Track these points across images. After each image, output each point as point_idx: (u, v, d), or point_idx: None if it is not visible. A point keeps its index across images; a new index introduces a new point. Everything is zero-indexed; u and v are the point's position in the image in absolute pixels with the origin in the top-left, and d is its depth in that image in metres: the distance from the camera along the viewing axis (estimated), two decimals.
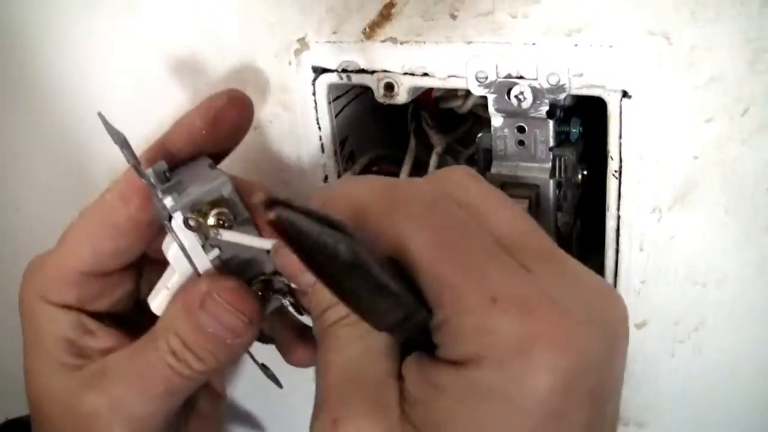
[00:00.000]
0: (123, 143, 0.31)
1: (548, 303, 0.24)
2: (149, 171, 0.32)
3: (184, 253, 0.33)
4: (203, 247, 0.33)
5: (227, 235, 0.32)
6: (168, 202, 0.32)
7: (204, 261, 0.33)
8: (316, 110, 0.38)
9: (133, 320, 0.37)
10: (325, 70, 0.37)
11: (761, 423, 0.38)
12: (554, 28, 0.32)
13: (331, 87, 0.38)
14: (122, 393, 0.33)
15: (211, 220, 0.32)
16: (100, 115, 0.32)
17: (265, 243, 0.32)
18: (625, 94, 0.32)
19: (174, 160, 0.34)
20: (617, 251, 0.35)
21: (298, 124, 0.39)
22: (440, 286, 0.24)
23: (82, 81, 0.46)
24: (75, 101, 0.46)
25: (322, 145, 0.39)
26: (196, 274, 0.34)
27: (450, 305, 0.24)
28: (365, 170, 0.41)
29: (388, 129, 0.44)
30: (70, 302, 0.36)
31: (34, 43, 0.45)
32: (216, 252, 0.33)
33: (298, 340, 0.38)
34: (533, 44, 0.33)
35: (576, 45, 0.32)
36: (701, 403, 0.38)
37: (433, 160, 0.39)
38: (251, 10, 0.38)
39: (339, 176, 0.40)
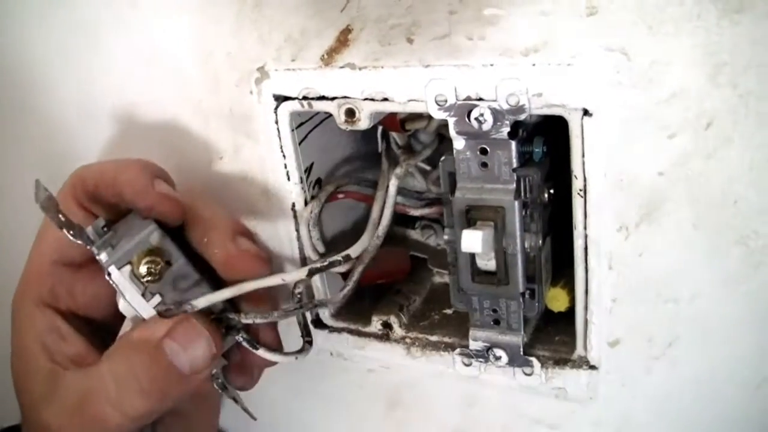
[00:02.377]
0: (56, 208, 0.32)
1: None
2: (89, 229, 0.34)
3: (129, 304, 0.34)
4: (143, 295, 0.34)
5: (200, 303, 0.35)
6: (103, 257, 0.34)
7: (147, 308, 0.35)
8: (280, 138, 0.38)
9: (112, 331, 0.38)
10: (286, 98, 0.37)
11: None
12: (511, 49, 0.32)
13: (293, 114, 0.37)
14: (64, 419, 0.33)
15: (142, 270, 0.34)
16: (37, 183, 0.32)
17: (225, 294, 0.36)
18: (585, 113, 0.32)
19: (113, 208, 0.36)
20: (587, 270, 0.35)
21: (263, 152, 0.39)
22: None
23: (57, 108, 0.46)
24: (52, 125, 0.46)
25: (287, 172, 0.39)
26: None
27: None
28: (332, 196, 0.40)
29: (357, 151, 0.44)
30: (45, 297, 0.36)
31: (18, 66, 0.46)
32: (158, 298, 0.34)
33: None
34: (491, 65, 0.32)
35: (534, 65, 0.32)
36: (680, 420, 0.38)
37: (393, 182, 0.39)
38: (210, 40, 0.38)
39: (306, 203, 0.39)
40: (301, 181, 0.39)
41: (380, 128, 0.41)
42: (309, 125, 0.39)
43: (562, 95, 0.32)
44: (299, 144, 0.38)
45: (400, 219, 0.44)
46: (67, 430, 0.33)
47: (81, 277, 0.37)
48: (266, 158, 0.39)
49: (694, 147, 0.31)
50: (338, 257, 0.38)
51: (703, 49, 0.29)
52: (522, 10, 0.31)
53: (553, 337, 0.39)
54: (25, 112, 0.46)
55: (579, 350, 0.37)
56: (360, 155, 0.44)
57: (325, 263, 0.38)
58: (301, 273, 0.37)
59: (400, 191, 0.41)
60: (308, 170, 0.39)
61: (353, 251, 0.38)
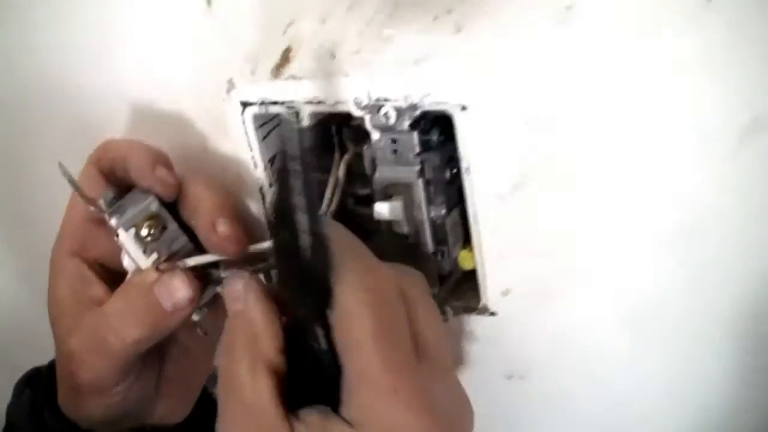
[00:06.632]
0: (77, 186, 0.43)
1: (427, 405, 0.33)
2: (101, 201, 0.44)
3: (132, 260, 0.44)
4: (144, 252, 0.44)
5: (190, 262, 0.44)
6: (113, 222, 0.43)
7: (147, 262, 0.44)
8: (247, 135, 0.48)
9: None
10: (249, 104, 0.47)
11: (627, 362, 0.45)
12: (405, 60, 0.41)
13: (256, 116, 0.48)
14: (83, 347, 0.44)
15: (144, 231, 0.43)
16: (60, 165, 0.43)
17: (208, 258, 0.45)
18: (463, 108, 0.41)
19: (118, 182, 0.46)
20: (479, 233, 0.44)
21: (235, 146, 0.49)
22: (362, 369, 0.33)
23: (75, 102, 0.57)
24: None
25: (254, 162, 0.49)
26: None
27: (364, 383, 0.33)
28: None
29: (314, 142, 0.53)
30: (76, 248, 0.47)
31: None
32: (155, 255, 0.44)
33: None
34: (392, 73, 0.42)
35: (423, 72, 0.41)
36: (573, 356, 0.46)
37: (342, 168, 0.49)
38: (194, 58, 0.48)
39: (270, 186, 0.50)
40: (266, 169, 0.49)
41: (334, 123, 0.51)
42: (272, 124, 0.49)
43: (444, 95, 0.41)
44: (263, 139, 0.49)
45: (359, 199, 0.54)
46: (84, 355, 0.44)
47: (104, 230, 0.46)
48: (238, 151, 0.49)
49: (545, 131, 0.40)
50: None
51: (541, 59, 0.38)
52: (408, 30, 0.40)
53: (467, 291, 0.48)
54: (50, 108, 0.58)
55: (482, 300, 0.46)
56: (317, 145, 0.53)
57: None
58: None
59: (353, 175, 0.50)
60: (272, 160, 0.50)
61: None
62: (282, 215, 0.34)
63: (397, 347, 0.34)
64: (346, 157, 0.49)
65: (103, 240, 0.47)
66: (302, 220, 0.33)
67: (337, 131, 0.51)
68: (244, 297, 0.38)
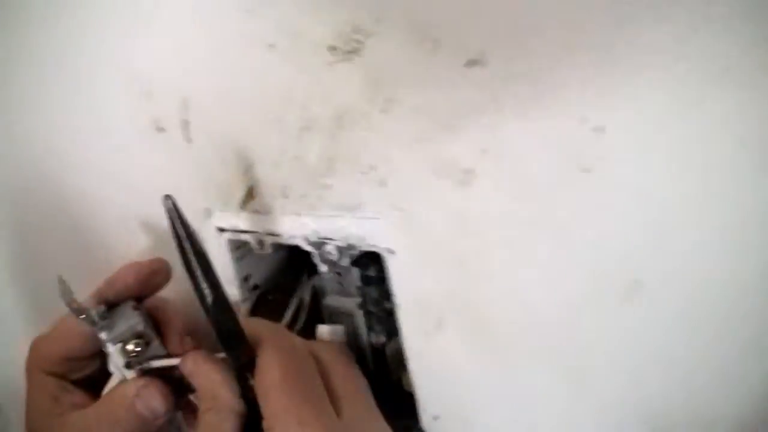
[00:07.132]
0: (71, 302, 0.49)
1: None
2: (93, 312, 0.50)
3: (117, 369, 0.50)
4: (128, 363, 0.50)
5: (155, 363, 0.50)
6: (103, 336, 0.49)
7: (130, 373, 0.50)
8: (223, 256, 0.54)
9: (103, 382, 0.54)
10: (224, 230, 0.53)
11: None
12: (343, 206, 0.46)
13: (231, 241, 0.53)
14: None
15: (130, 347, 0.49)
16: (59, 277, 0.50)
17: (173, 361, 0.49)
18: (391, 252, 0.45)
19: (109, 302, 0.51)
20: (410, 363, 0.48)
21: (217, 265, 0.55)
22: (273, 410, 0.42)
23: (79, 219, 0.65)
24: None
25: (230, 279, 0.55)
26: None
27: (276, 420, 0.42)
28: (261, 297, 0.56)
29: (286, 265, 0.59)
30: (57, 372, 0.53)
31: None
32: (138, 367, 0.50)
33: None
34: (332, 216, 0.47)
35: (356, 218, 0.46)
36: None
37: (308, 291, 0.54)
38: (179, 186, 0.55)
39: (244, 301, 0.55)
40: (240, 286, 0.55)
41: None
42: (245, 248, 0.55)
43: (375, 239, 0.46)
44: (239, 260, 0.54)
45: None
46: None
47: (84, 362, 0.52)
48: (218, 269, 0.55)
49: (458, 277, 0.44)
50: None
51: (449, 213, 0.42)
52: (343, 182, 0.45)
53: (412, 410, 0.52)
54: (53, 218, 0.66)
55: (420, 422, 0.50)
56: (289, 268, 0.59)
57: None
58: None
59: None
60: (246, 278, 0.55)
61: None
62: (192, 281, 0.44)
63: (304, 392, 0.43)
64: (312, 282, 0.54)
65: (82, 369, 0.53)
66: (202, 281, 0.43)
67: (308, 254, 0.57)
68: (196, 369, 0.47)
